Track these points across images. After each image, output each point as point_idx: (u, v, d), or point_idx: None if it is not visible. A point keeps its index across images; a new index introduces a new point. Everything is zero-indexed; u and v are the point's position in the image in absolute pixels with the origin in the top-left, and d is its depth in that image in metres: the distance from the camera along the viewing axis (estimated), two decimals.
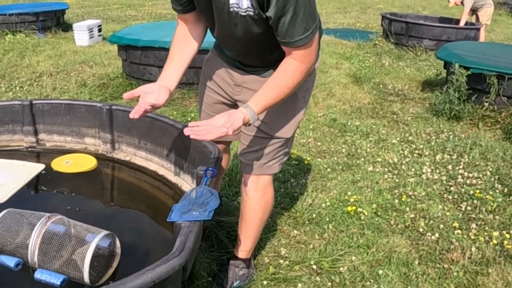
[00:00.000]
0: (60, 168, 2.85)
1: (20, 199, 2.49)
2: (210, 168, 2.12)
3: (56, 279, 1.85)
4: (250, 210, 2.48)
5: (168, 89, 2.11)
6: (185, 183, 2.64)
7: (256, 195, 2.43)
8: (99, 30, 9.31)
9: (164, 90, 2.09)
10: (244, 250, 2.60)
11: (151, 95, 2.06)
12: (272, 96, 1.95)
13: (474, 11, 9.86)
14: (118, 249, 2.00)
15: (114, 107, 2.96)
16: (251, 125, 1.96)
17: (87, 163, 2.89)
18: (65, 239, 1.91)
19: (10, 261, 1.94)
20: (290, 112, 2.26)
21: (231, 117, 1.87)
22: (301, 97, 2.25)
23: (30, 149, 3.07)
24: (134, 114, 2.03)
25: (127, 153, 2.98)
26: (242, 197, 2.50)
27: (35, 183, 2.74)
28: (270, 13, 1.78)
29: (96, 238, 1.88)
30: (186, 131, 1.82)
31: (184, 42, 2.23)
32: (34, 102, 3.06)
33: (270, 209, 2.56)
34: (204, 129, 1.84)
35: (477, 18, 9.95)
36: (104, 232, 1.94)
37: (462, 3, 9.92)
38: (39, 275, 1.88)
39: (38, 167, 2.82)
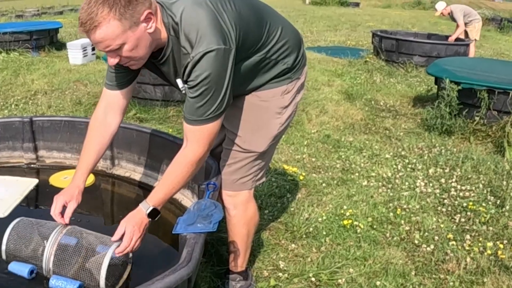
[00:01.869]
0: (58, 183, 2.88)
1: (20, 214, 2.52)
2: (212, 182, 2.17)
3: (72, 285, 1.89)
4: (234, 227, 2.51)
5: (79, 189, 2.20)
6: (185, 198, 2.69)
7: (238, 213, 2.46)
8: (93, 49, 9.35)
9: (77, 193, 2.17)
10: (237, 263, 2.63)
11: (72, 202, 2.13)
12: (168, 189, 2.01)
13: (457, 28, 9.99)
14: (130, 259, 2.06)
15: None
16: (156, 218, 2.01)
17: None
18: (81, 246, 1.95)
19: (24, 268, 1.98)
20: (262, 126, 2.29)
21: (133, 222, 1.95)
22: (275, 112, 2.28)
23: (30, 166, 3.11)
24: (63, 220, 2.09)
25: (126, 169, 3.02)
26: (226, 215, 2.48)
27: (34, 198, 2.78)
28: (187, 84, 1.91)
29: (113, 246, 1.92)
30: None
31: (104, 130, 2.27)
32: (34, 119, 3.11)
33: (255, 224, 2.58)
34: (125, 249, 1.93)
35: (466, 34, 10.06)
36: (119, 241, 1.96)
37: (449, 14, 10.02)
38: (54, 281, 1.91)
39: (32, 182, 2.86)
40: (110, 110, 2.25)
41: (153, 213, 1.98)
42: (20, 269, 1.99)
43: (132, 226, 1.93)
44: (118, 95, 2.22)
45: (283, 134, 2.44)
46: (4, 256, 2.04)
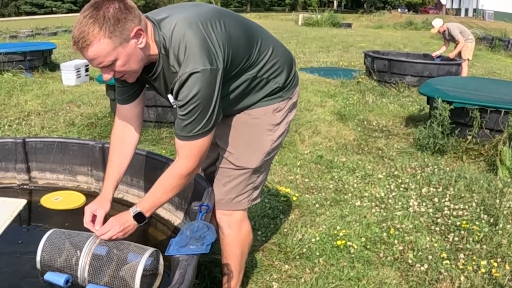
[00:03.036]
0: (49, 204, 2.87)
1: (11, 234, 2.52)
2: (205, 204, 2.17)
3: None
4: (228, 247, 2.52)
5: (106, 198, 2.29)
6: (178, 219, 2.68)
7: (232, 233, 2.47)
8: (86, 70, 9.40)
9: (105, 201, 2.27)
10: (230, 285, 2.62)
11: (100, 209, 2.21)
12: (156, 197, 2.13)
13: (457, 44, 10.03)
14: (161, 270, 2.12)
15: (106, 145, 3.00)
16: (144, 222, 2.14)
17: (76, 200, 2.92)
18: (113, 255, 2.03)
19: (60, 278, 2.06)
20: (255, 143, 2.33)
21: (119, 221, 2.10)
22: (266, 129, 2.32)
23: (22, 187, 3.10)
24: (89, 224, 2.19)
25: (119, 190, 3.01)
26: (219, 235, 2.50)
27: (27, 219, 2.77)
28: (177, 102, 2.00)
29: (146, 254, 2.02)
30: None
31: (122, 143, 2.38)
32: (27, 140, 3.11)
33: (249, 244, 2.60)
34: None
35: (459, 54, 10.09)
36: (152, 249, 2.07)
37: (444, 32, 10.06)
38: None
39: (21, 203, 2.85)
40: (126, 123, 2.35)
41: (139, 217, 2.10)
42: (56, 278, 2.07)
43: (118, 224, 2.09)
44: (131, 108, 2.32)
45: (276, 151, 2.46)
46: (38, 266, 2.13)
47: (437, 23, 10.11)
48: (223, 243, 2.52)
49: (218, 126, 2.16)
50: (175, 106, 2.04)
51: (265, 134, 2.33)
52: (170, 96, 2.08)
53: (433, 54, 10.23)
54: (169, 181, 2.11)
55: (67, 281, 2.05)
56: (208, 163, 2.55)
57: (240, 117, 2.30)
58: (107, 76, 1.97)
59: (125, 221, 2.10)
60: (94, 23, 1.80)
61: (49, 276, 2.09)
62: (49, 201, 2.91)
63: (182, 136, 2.02)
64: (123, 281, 1.99)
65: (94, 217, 2.19)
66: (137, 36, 1.89)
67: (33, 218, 2.81)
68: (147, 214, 2.12)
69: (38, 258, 2.12)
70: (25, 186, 3.11)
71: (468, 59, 10.03)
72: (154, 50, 1.99)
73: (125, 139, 2.37)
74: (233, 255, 2.53)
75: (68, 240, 2.12)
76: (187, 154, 2.05)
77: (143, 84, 2.28)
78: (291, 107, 2.40)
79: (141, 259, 1.99)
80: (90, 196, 2.97)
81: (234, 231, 2.47)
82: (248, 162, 2.34)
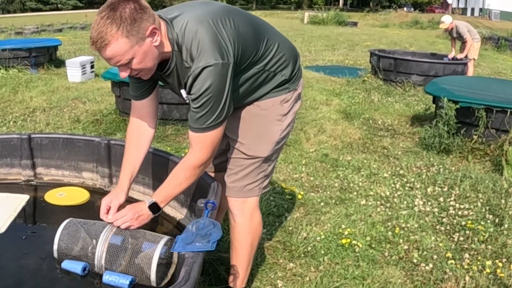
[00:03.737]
0: (53, 200, 2.87)
1: (16, 230, 2.53)
2: (211, 201, 2.17)
3: (125, 279, 2.02)
4: (239, 236, 2.56)
5: (122, 190, 2.36)
6: (183, 216, 2.68)
7: (244, 221, 2.53)
8: (92, 67, 9.39)
9: (120, 193, 2.35)
10: (238, 278, 2.63)
11: (114, 201, 2.29)
12: (171, 188, 2.21)
13: (463, 43, 9.98)
14: (175, 259, 2.14)
15: (112, 142, 3.01)
16: (159, 213, 2.22)
17: (80, 196, 2.92)
18: (129, 243, 2.09)
19: (77, 266, 2.11)
20: (265, 133, 2.42)
21: (135, 209, 2.17)
22: (275, 120, 2.42)
23: (27, 183, 3.10)
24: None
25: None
26: (230, 224, 2.60)
27: (31, 214, 2.77)
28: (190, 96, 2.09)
29: (161, 242, 2.07)
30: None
31: (138, 137, 2.46)
32: (32, 136, 3.10)
33: (259, 236, 2.65)
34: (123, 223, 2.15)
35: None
36: (167, 237, 2.12)
37: (452, 30, 9.98)
38: (108, 276, 2.04)
39: (23, 198, 2.85)
40: (141, 118, 2.44)
41: (154, 208, 2.17)
42: (73, 266, 2.12)
43: (132, 211, 2.15)
44: (145, 104, 2.40)
45: (285, 140, 2.54)
46: (56, 255, 2.18)
47: (448, 19, 10.00)
48: (234, 232, 2.58)
49: (229, 118, 2.22)
50: (187, 100, 2.12)
51: (274, 124, 2.42)
52: (183, 91, 2.16)
53: (450, 56, 10.10)
54: (183, 172, 2.19)
55: (84, 269, 2.10)
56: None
57: (250, 109, 2.39)
58: (124, 74, 2.04)
59: (139, 210, 2.16)
60: (111, 23, 1.87)
61: (67, 264, 2.14)
62: (53, 196, 2.91)
63: (196, 128, 2.10)
64: (139, 269, 2.05)
65: (109, 209, 2.26)
66: (152, 35, 1.96)
67: (37, 214, 2.81)
68: (161, 205, 2.19)
69: (55, 247, 2.17)
70: (30, 183, 3.10)
71: (474, 59, 9.98)
72: (167, 48, 2.07)
73: (141, 133, 2.45)
74: (244, 245, 2.57)
75: (85, 229, 2.18)
76: (200, 146, 2.13)
77: (156, 81, 2.36)
78: (296, 97, 2.50)
79: (157, 247, 2.04)
80: (95, 192, 2.97)
81: (246, 219, 2.53)
82: (259, 151, 2.42)
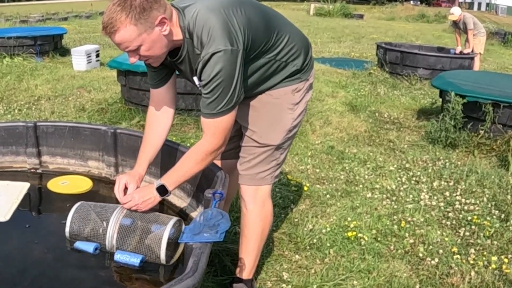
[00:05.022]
0: (56, 188, 2.86)
1: (19, 218, 2.51)
2: (218, 191, 2.16)
3: (136, 258, 2.09)
4: (250, 224, 2.58)
5: (139, 175, 2.42)
6: (190, 206, 2.66)
7: (255, 208, 2.56)
8: (97, 55, 9.38)
9: (138, 178, 2.40)
10: (245, 268, 2.64)
11: (132, 184, 2.35)
12: (182, 172, 2.25)
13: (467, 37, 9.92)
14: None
15: (118, 131, 2.99)
16: (167, 196, 2.27)
17: (83, 185, 2.90)
18: (139, 224, 2.16)
19: (89, 246, 2.18)
20: (277, 121, 2.45)
21: (143, 192, 2.25)
22: (287, 108, 2.45)
23: (33, 171, 3.08)
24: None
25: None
26: (241, 212, 2.61)
27: (37, 202, 2.77)
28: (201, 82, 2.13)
29: (171, 222, 2.14)
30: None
31: (156, 123, 2.53)
32: (38, 124, 3.08)
33: (270, 223, 2.66)
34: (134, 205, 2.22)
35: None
36: (176, 218, 2.20)
37: (460, 21, 9.90)
38: (119, 256, 2.11)
39: (24, 186, 2.83)
40: (159, 105, 2.50)
41: (162, 190, 2.22)
42: (85, 246, 2.19)
43: (138, 195, 2.23)
44: (162, 92, 2.47)
45: (297, 129, 2.57)
46: (68, 236, 2.24)
47: (457, 10, 9.91)
48: (245, 220, 2.60)
49: (241, 107, 2.27)
50: (200, 87, 2.15)
51: (286, 112, 2.45)
52: (195, 78, 2.18)
53: (457, 51, 10.04)
54: (194, 157, 2.23)
55: (95, 249, 2.17)
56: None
57: (262, 97, 2.42)
58: (133, 60, 2.11)
59: (146, 193, 2.23)
60: (122, 10, 1.94)
61: (79, 245, 2.20)
62: (56, 185, 2.89)
63: (207, 114, 2.14)
64: (149, 248, 2.10)
65: (125, 189, 2.33)
66: (161, 24, 2.02)
67: (40, 202, 2.80)
68: (170, 188, 2.23)
69: (67, 229, 2.23)
70: (35, 171, 3.09)
71: (480, 53, 9.93)
72: (178, 36, 2.12)
73: (159, 120, 2.51)
74: (255, 232, 2.59)
75: (96, 211, 2.24)
76: (212, 131, 2.17)
77: (172, 70, 2.41)
78: (308, 87, 2.53)
79: (166, 228, 2.10)
80: (101, 181, 2.96)
81: (258, 207, 2.56)
82: (271, 139, 2.45)
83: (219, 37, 2.02)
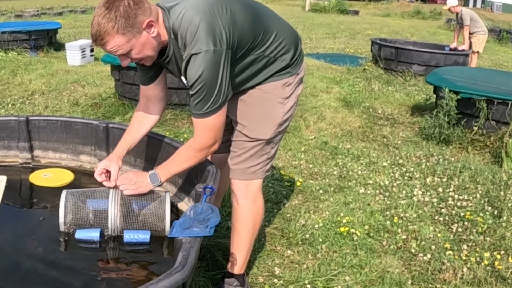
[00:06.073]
0: (38, 181, 2.85)
1: (4, 211, 2.51)
2: (209, 186, 2.15)
3: (145, 235, 2.19)
4: (241, 218, 2.58)
5: (118, 156, 2.47)
6: (181, 201, 2.66)
7: (247, 203, 2.56)
8: (91, 50, 9.35)
9: (116, 158, 2.45)
10: (237, 263, 2.64)
11: (113, 165, 2.40)
12: (174, 164, 2.31)
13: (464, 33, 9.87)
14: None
15: (111, 125, 2.98)
16: (158, 185, 2.31)
17: (65, 177, 2.89)
18: (137, 202, 2.26)
19: (95, 232, 2.21)
20: (267, 115, 2.45)
21: (135, 175, 2.33)
22: (277, 102, 2.45)
23: (25, 165, 3.07)
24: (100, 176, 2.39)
25: (122, 171, 2.97)
26: (233, 207, 2.61)
27: (18, 195, 2.77)
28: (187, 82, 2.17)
29: (166, 194, 2.29)
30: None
31: (143, 114, 2.58)
32: (30, 118, 3.07)
33: (261, 218, 2.68)
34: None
35: (470, 45, 9.87)
36: (164, 191, 2.37)
37: (457, 15, 9.84)
38: (128, 235, 2.19)
39: (1, 179, 2.81)
40: (148, 101, 2.55)
41: (154, 178, 2.28)
42: (89, 234, 2.21)
43: (134, 177, 2.30)
44: (152, 88, 2.51)
45: (287, 124, 2.57)
46: (62, 228, 2.24)
47: (452, 1, 9.73)
48: (236, 215, 2.60)
49: (232, 101, 2.29)
50: (188, 87, 2.17)
51: (277, 106, 2.45)
52: (183, 78, 2.20)
53: (451, 46, 10.02)
54: (185, 152, 2.29)
55: (100, 235, 2.21)
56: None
57: (252, 92, 2.42)
58: (125, 63, 2.17)
59: (140, 177, 2.29)
60: (107, 22, 1.99)
61: (81, 234, 2.21)
62: (38, 177, 2.87)
63: (195, 114, 2.19)
64: (153, 223, 2.23)
65: (106, 173, 2.38)
66: (149, 27, 2.06)
67: (23, 194, 2.82)
68: (162, 178, 2.28)
69: (61, 220, 2.23)
70: (27, 165, 3.08)
71: (478, 52, 9.83)
72: (165, 36, 2.16)
73: (146, 112, 2.56)
74: (245, 227, 2.59)
75: (89, 197, 2.27)
76: (201, 131, 2.22)
77: (161, 68, 2.44)
78: (298, 81, 2.53)
79: (165, 199, 2.26)
80: (92, 176, 2.94)
81: (249, 201, 2.56)
82: (261, 133, 2.46)
83: (202, 37, 2.04)
